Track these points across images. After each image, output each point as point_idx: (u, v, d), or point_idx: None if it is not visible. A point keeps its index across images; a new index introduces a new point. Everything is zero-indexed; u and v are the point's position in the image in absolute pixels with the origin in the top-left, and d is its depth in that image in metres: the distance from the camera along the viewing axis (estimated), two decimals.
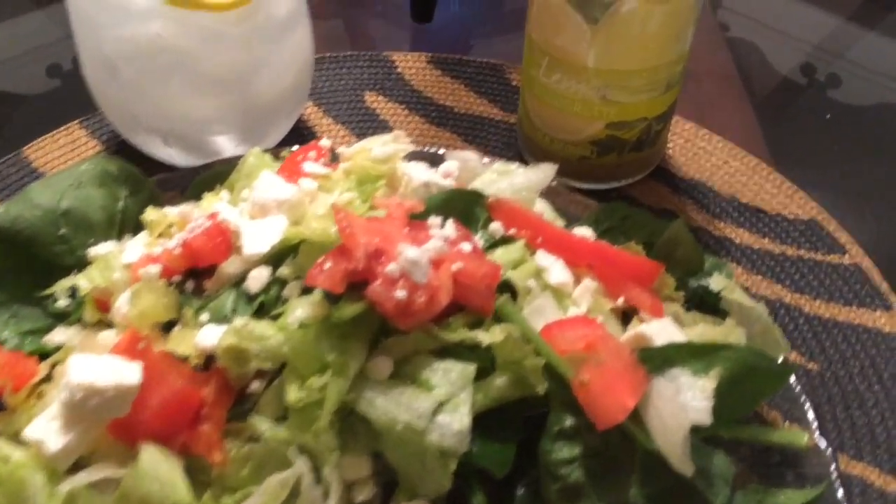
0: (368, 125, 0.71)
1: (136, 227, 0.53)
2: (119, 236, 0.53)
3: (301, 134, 0.70)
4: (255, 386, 0.41)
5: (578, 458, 0.39)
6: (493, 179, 0.53)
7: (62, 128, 0.69)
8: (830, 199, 0.65)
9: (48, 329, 0.47)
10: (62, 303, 0.48)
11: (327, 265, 0.40)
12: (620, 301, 0.47)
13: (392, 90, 0.75)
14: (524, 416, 0.41)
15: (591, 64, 0.56)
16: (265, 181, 0.48)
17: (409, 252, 0.40)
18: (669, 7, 0.54)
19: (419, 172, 0.49)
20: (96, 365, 0.38)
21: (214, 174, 0.56)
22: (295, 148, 0.56)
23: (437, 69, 0.78)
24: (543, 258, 0.47)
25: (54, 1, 0.89)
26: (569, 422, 0.40)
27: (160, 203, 0.55)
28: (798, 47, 0.88)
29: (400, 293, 0.39)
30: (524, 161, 0.67)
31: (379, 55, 0.79)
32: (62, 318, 0.48)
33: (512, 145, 0.69)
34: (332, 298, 0.40)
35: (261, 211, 0.46)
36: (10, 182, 0.64)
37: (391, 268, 0.39)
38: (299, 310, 0.40)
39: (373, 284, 0.39)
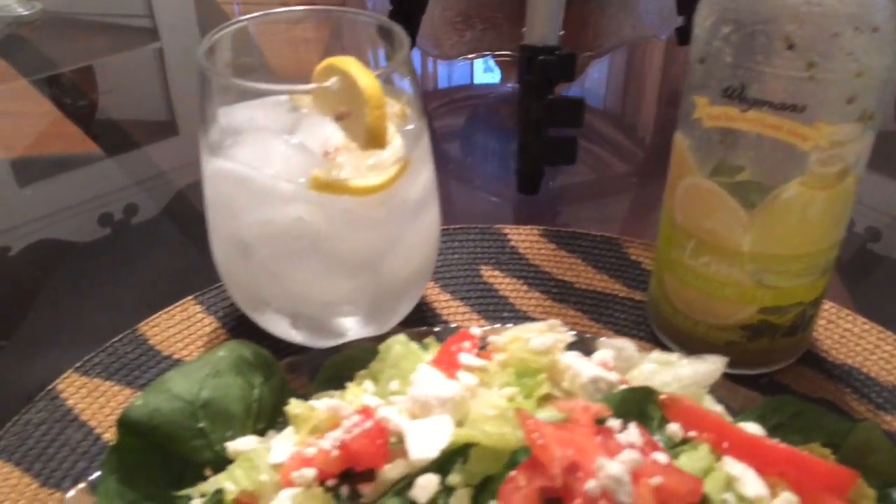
0: (489, 301, 0.69)
1: (270, 418, 0.51)
2: (255, 427, 0.50)
3: (422, 311, 0.67)
4: None
5: None
6: (654, 371, 0.50)
7: (177, 304, 0.67)
8: None
9: None
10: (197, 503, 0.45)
11: (521, 482, 0.36)
12: None
13: (508, 264, 0.73)
14: None
15: (747, 248, 0.54)
16: (424, 376, 0.45)
17: (611, 467, 0.36)
18: (831, 193, 0.51)
19: (585, 367, 0.46)
20: None
21: (346, 359, 0.53)
22: (437, 329, 0.55)
23: (550, 242, 0.76)
24: (732, 466, 0.42)
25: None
26: None
27: (289, 391, 0.52)
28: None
29: None
30: (658, 341, 0.64)
31: (490, 228, 0.78)
32: None
33: (641, 324, 0.66)
34: None
35: (422, 409, 0.43)
36: (127, 361, 0.62)
37: (591, 485, 0.35)
38: None
39: None
